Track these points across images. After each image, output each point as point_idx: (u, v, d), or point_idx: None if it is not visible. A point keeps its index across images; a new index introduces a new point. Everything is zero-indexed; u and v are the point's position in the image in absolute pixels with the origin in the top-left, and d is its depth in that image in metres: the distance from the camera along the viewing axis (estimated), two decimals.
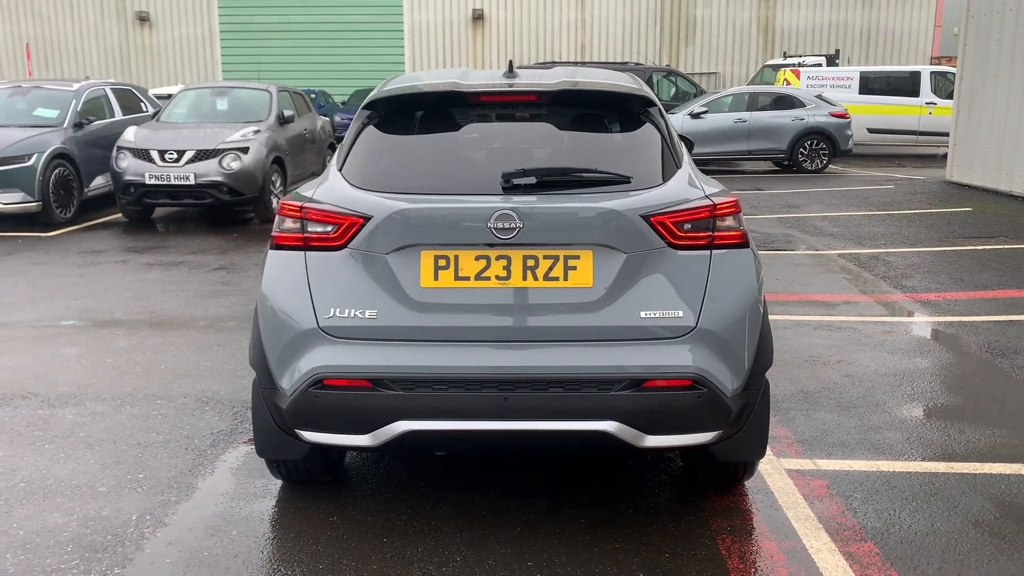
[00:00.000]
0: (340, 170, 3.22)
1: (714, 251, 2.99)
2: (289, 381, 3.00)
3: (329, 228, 3.00)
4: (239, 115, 11.07)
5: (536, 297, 2.90)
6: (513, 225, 2.86)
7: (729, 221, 3.01)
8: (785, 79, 20.10)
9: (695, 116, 15.99)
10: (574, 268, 2.90)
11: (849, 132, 16.03)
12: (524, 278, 2.90)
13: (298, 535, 3.23)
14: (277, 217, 3.16)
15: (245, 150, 10.05)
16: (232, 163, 9.92)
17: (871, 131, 18.51)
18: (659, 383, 2.87)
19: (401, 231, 2.91)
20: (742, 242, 3.04)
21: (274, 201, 10.54)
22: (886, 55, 28.82)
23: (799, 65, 20.89)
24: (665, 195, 3.00)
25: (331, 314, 2.94)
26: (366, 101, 3.37)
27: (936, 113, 18.77)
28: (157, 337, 5.76)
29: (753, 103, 16.17)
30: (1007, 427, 4.22)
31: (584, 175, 3.03)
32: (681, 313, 2.91)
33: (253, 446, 3.93)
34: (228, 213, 10.77)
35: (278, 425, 3.20)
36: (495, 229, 2.86)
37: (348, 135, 3.36)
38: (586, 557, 3.05)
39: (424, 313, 2.90)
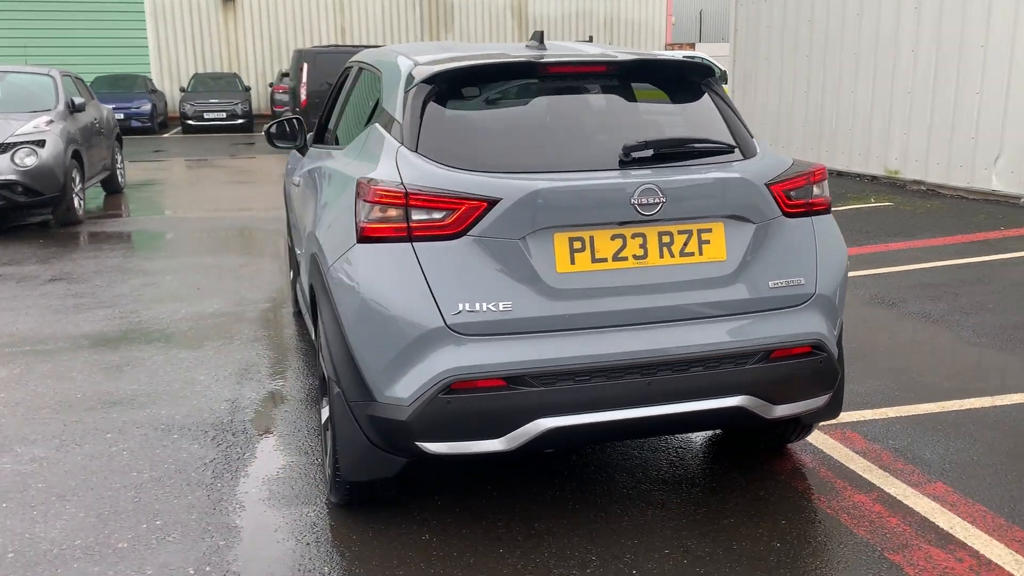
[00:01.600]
0: (415, 149, 2.88)
1: (813, 217, 3.05)
2: (408, 389, 2.66)
3: (440, 215, 2.69)
4: (19, 103, 9.56)
5: (673, 275, 2.79)
6: (656, 200, 2.73)
7: (819, 188, 3.08)
8: None
9: None
10: (707, 242, 2.83)
11: None
12: (661, 255, 2.78)
13: (404, 561, 2.88)
14: (363, 205, 2.78)
15: (41, 143, 8.75)
16: (27, 159, 8.60)
17: None
18: (786, 352, 2.89)
19: (536, 213, 2.67)
20: (828, 207, 3.13)
21: (76, 200, 9.28)
22: (628, 41, 30.89)
23: None
24: (772, 163, 3.01)
25: (459, 310, 2.64)
26: (424, 76, 3.03)
27: None
28: (43, 363, 4.87)
29: None
30: (954, 367, 4.72)
31: (698, 146, 2.95)
32: (803, 280, 2.94)
33: (264, 472, 3.49)
34: (7, 217, 9.24)
35: (371, 441, 2.84)
36: (639, 205, 2.72)
37: (405, 111, 3.02)
38: (714, 535, 3.01)
39: (562, 300, 2.70)
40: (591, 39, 27.22)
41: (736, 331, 2.83)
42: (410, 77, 3.11)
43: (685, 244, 2.80)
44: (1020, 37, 9.26)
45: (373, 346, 2.72)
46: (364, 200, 2.78)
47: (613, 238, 2.73)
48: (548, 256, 2.69)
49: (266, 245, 8.36)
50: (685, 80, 3.25)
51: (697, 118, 3.15)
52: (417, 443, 2.71)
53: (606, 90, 3.14)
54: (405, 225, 2.70)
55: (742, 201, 2.87)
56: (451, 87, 3.04)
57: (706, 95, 3.23)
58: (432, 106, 2.99)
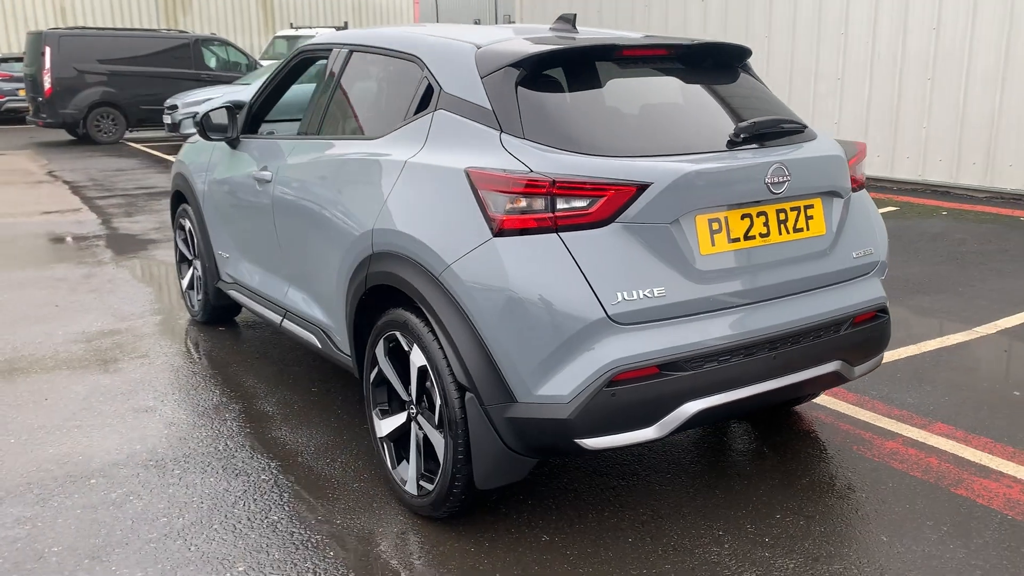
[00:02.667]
0: (522, 136, 2.74)
1: (862, 191, 3.30)
2: (568, 385, 2.56)
3: (584, 202, 2.59)
4: None
5: (789, 251, 2.90)
6: (784, 178, 2.82)
7: (863, 165, 3.34)
8: None
9: None
10: (811, 217, 2.96)
11: None
12: (779, 233, 2.88)
13: (544, 566, 2.75)
14: (496, 196, 2.61)
15: None
16: None
17: None
18: (865, 316, 3.12)
19: (685, 196, 2.66)
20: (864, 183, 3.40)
21: None
22: (378, 24, 30.59)
23: None
24: (834, 141, 3.21)
25: (618, 299, 2.57)
26: (511, 59, 2.88)
27: None
28: None
29: None
30: None
31: (787, 126, 3.06)
32: (873, 249, 3.18)
33: (315, 499, 3.15)
34: None
35: (507, 444, 2.70)
36: (771, 184, 2.79)
37: (492, 97, 2.86)
38: (805, 495, 3.18)
39: (707, 283, 2.71)
40: (346, 24, 26.64)
41: (833, 300, 3.01)
42: (486, 61, 2.95)
43: (796, 220, 2.92)
44: (852, 29, 10.42)
45: (523, 344, 2.57)
46: (496, 191, 2.61)
47: (743, 217, 2.79)
48: (693, 239, 2.69)
49: (98, 252, 7.40)
50: (733, 62, 3.35)
51: (758, 98, 3.27)
52: (577, 440, 2.60)
53: (678, 73, 3.17)
54: (550, 215, 2.58)
55: (837, 178, 3.05)
56: (538, 71, 2.92)
57: (750, 76, 3.37)
58: (524, 91, 2.86)
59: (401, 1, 31.25)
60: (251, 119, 4.49)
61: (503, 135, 2.78)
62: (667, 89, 3.14)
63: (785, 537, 2.92)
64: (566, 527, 2.99)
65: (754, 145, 2.92)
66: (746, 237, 2.81)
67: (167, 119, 15.27)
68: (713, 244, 2.74)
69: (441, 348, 2.78)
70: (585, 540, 2.90)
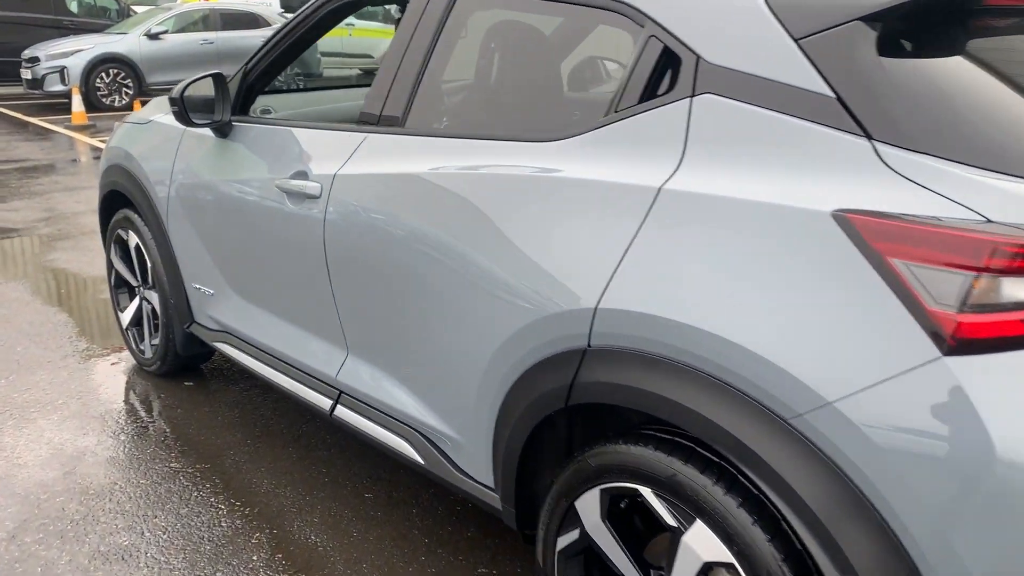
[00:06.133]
0: (912, 148, 1.49)
1: None
2: None
3: None
4: None
5: None
6: None
7: None
8: None
9: (153, 37, 13.30)
10: None
11: (317, 54, 15.18)
12: None
13: None
14: (938, 274, 1.37)
15: None
16: None
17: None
18: None
19: None
20: None
21: None
22: None
23: None
24: None
25: None
26: (866, 10, 1.62)
27: (355, 35, 19.01)
28: None
29: (216, 23, 14.09)
30: None
31: None
32: None
33: None
34: None
35: None
36: None
37: (831, 74, 1.60)
38: None
39: None
40: None
41: None
42: (803, 13, 1.68)
43: None
44: None
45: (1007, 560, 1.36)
46: (940, 263, 1.37)
47: None
48: None
49: None
50: None
51: None
52: None
53: None
54: None
55: None
56: (898, 32, 1.67)
57: None
58: (891, 66, 1.61)
59: None
60: (245, 94, 3.02)
61: (878, 145, 1.53)
62: None
63: None
64: None
65: None
66: None
67: (26, 74, 12.99)
68: None
69: (771, 540, 1.54)
70: None
